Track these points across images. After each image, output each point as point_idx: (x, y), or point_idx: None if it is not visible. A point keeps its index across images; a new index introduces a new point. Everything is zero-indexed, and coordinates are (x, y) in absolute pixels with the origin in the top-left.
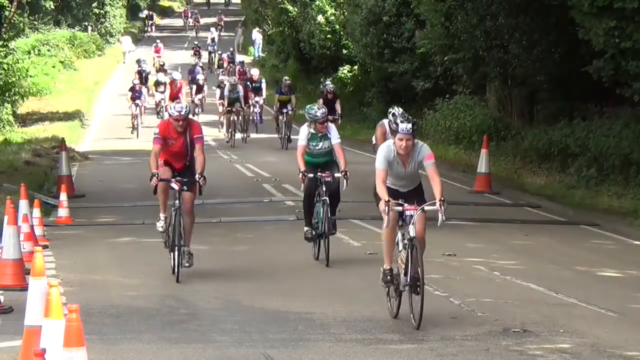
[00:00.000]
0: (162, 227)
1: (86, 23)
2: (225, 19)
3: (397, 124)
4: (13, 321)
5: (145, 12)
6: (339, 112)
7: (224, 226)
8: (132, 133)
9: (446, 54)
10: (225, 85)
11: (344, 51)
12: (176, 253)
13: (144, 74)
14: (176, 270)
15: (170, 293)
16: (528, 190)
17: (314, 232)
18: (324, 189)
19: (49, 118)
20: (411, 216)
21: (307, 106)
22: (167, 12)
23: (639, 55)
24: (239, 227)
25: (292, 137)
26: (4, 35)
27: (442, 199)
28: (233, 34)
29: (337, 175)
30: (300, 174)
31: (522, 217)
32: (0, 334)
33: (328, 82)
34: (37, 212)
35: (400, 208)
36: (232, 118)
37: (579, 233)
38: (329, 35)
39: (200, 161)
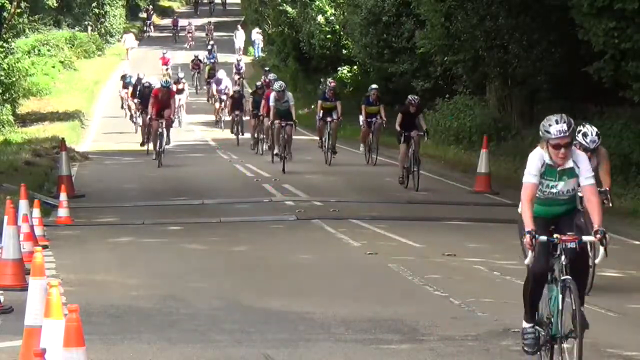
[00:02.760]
0: None
1: (86, 23)
2: (217, 19)
3: None
4: (13, 321)
5: (145, 12)
6: (425, 129)
7: (224, 226)
8: (143, 146)
9: (446, 54)
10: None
11: (344, 51)
12: None
13: (139, 86)
14: None
15: (170, 293)
16: None
17: (540, 336)
18: (565, 261)
19: (49, 118)
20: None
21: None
22: (167, 12)
23: (639, 56)
24: (239, 227)
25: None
26: (4, 36)
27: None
28: (226, 34)
29: (586, 238)
30: (527, 236)
31: None
32: (0, 334)
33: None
34: (37, 212)
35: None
36: (281, 135)
37: None
38: (328, 36)
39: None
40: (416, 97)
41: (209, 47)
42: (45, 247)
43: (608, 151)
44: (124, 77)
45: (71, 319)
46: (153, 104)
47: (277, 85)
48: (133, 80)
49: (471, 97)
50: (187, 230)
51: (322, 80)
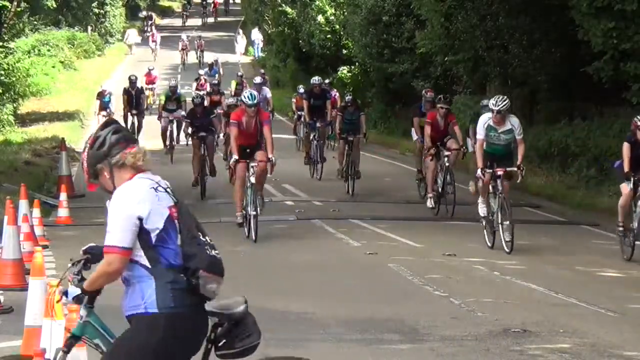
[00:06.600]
0: None
1: (85, 23)
2: (217, 18)
3: None
4: (13, 321)
5: (144, 12)
6: None
7: (224, 226)
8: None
9: (446, 55)
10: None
11: (344, 51)
12: None
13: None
14: None
15: None
16: (528, 190)
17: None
18: None
19: (48, 118)
20: None
21: None
22: (167, 12)
23: (639, 56)
24: (239, 227)
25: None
26: (4, 36)
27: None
28: (225, 34)
29: None
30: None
31: (522, 217)
32: (0, 334)
33: (493, 101)
34: (37, 212)
35: None
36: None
37: (579, 233)
38: (328, 35)
39: None
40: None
41: (211, 61)
42: (45, 247)
43: (608, 150)
44: (101, 95)
45: (71, 319)
46: (236, 136)
47: (495, 102)
48: (114, 100)
49: (471, 97)
50: None
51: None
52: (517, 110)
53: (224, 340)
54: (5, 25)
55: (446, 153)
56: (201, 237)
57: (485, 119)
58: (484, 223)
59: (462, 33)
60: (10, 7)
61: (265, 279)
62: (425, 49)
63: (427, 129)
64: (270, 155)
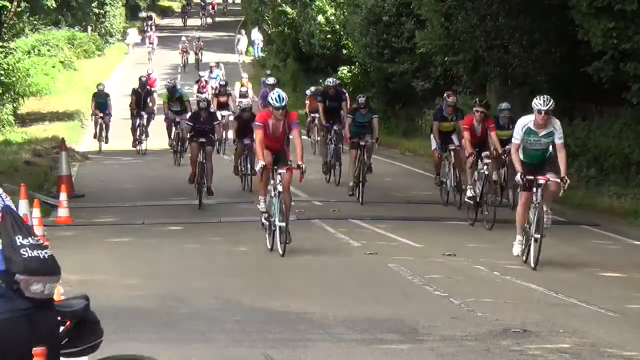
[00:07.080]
0: None
1: (85, 23)
2: (217, 19)
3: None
4: None
5: (144, 13)
6: None
7: (224, 226)
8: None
9: (446, 55)
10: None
11: (344, 51)
12: None
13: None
14: None
15: (170, 293)
16: None
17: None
18: None
19: (48, 118)
20: None
21: None
22: (167, 12)
23: (639, 56)
24: (239, 227)
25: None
26: (4, 36)
27: None
28: (225, 34)
29: None
30: None
31: None
32: None
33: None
34: (37, 212)
35: None
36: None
37: (579, 233)
38: (329, 35)
39: None
40: None
41: (212, 64)
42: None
43: (608, 150)
44: (98, 95)
45: None
46: (261, 140)
47: (542, 102)
48: (112, 100)
49: (471, 97)
50: (187, 230)
51: (320, 81)
52: (518, 110)
53: (67, 339)
54: (5, 25)
55: (485, 161)
56: (20, 240)
57: (525, 122)
58: (521, 236)
59: (462, 33)
60: (10, 7)
61: (265, 279)
62: (425, 49)
63: (466, 135)
64: (300, 162)
